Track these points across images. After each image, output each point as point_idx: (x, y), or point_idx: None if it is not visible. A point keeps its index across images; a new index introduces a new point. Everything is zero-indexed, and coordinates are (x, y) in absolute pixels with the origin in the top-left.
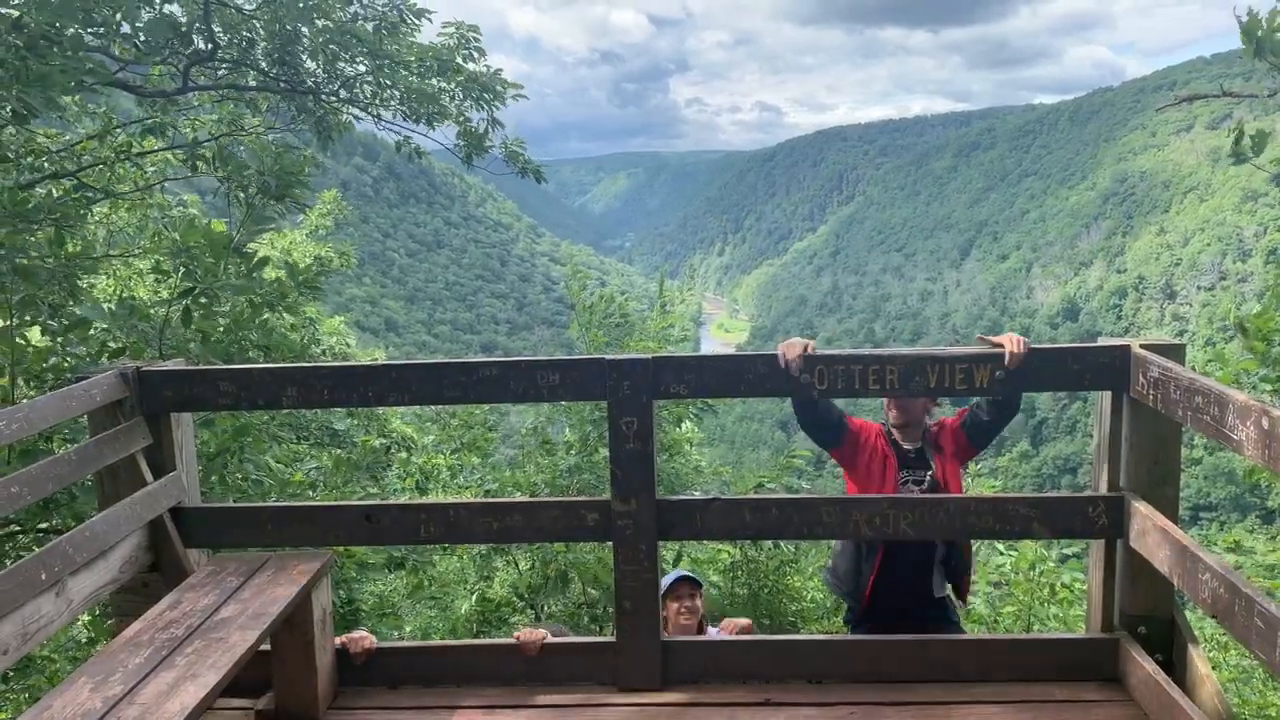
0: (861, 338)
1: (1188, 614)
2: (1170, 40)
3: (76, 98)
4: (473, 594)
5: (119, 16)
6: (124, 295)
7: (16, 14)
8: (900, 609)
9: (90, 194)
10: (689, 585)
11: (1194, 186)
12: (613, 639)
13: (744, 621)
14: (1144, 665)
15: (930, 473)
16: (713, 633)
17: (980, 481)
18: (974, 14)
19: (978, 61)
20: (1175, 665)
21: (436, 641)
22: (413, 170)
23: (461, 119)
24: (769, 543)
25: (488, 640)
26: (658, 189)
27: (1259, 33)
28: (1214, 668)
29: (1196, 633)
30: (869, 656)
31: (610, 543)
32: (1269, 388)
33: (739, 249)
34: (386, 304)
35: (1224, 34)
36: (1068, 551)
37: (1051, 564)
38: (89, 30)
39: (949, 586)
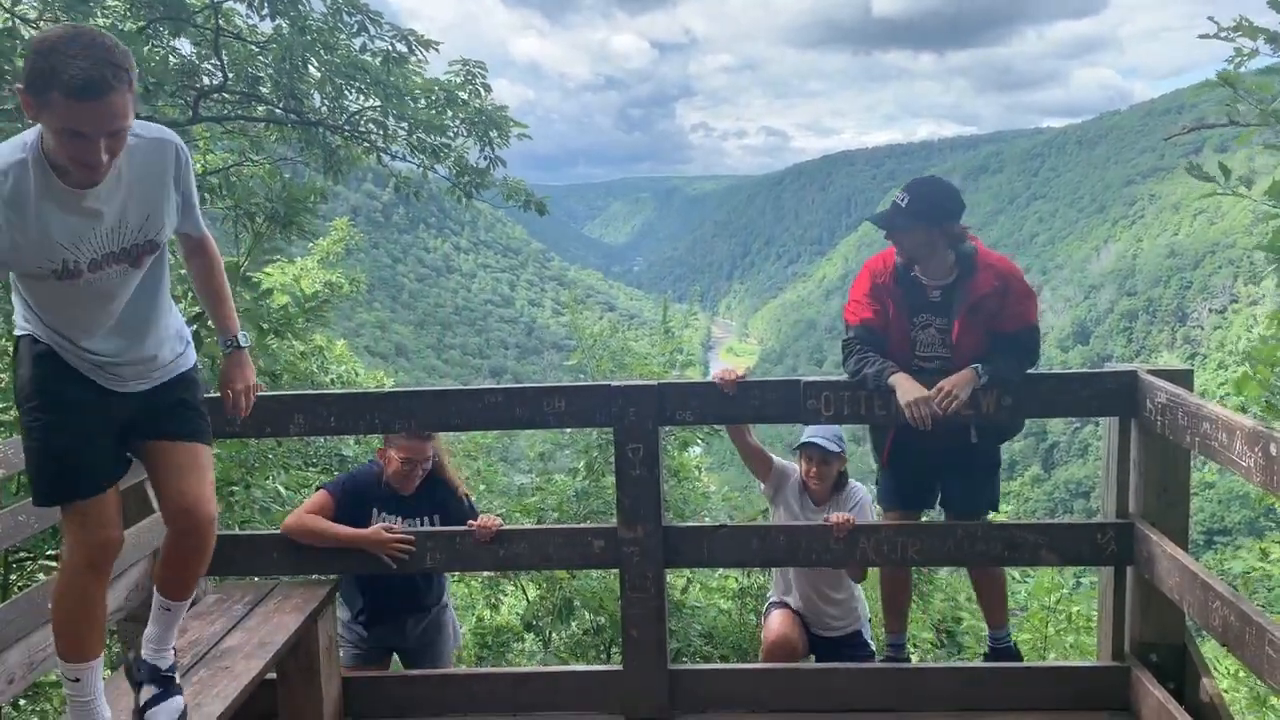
0: None
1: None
2: (1177, 63)
3: None
4: (474, 618)
5: None
6: None
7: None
8: (929, 469)
9: None
10: (819, 450)
11: (1203, 209)
12: (619, 667)
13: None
14: (1155, 694)
15: (946, 321)
16: (856, 490)
17: None
18: (978, 37)
19: (984, 85)
20: (1187, 694)
21: (443, 670)
22: (422, 195)
23: (461, 160)
24: None
25: (496, 669)
26: (666, 214)
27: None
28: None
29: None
30: (878, 685)
31: (617, 570)
32: (1258, 409)
33: (748, 273)
34: (396, 329)
35: (1230, 58)
36: (1085, 580)
37: (1066, 591)
38: None
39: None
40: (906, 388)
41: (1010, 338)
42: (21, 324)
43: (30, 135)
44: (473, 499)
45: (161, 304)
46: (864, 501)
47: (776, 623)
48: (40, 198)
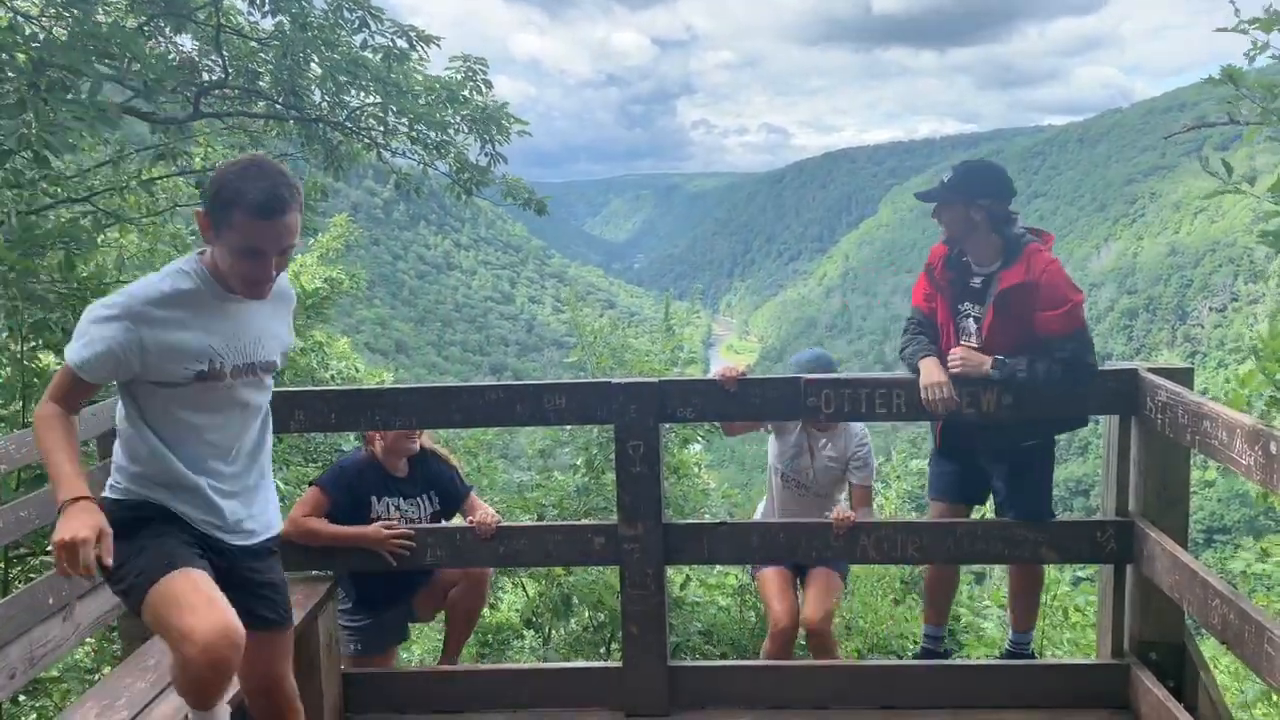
0: (871, 359)
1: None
2: (1179, 61)
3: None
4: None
5: (128, 57)
6: None
7: (31, 56)
8: (978, 461)
9: (102, 218)
10: None
11: (1204, 208)
12: (619, 664)
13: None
14: (1154, 692)
15: (983, 310)
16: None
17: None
18: (980, 35)
19: (986, 82)
20: (1186, 692)
21: (443, 666)
22: (423, 192)
23: (461, 157)
24: None
25: (496, 665)
26: (667, 211)
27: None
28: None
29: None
30: (876, 683)
31: (616, 567)
32: (1263, 405)
33: (748, 271)
34: (396, 325)
35: (1233, 57)
36: (1081, 575)
37: (1065, 588)
38: (103, 62)
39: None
40: (929, 370)
41: (1037, 343)
42: (126, 485)
43: (189, 258)
44: (463, 471)
45: (269, 430)
46: (862, 436)
47: (779, 602)
48: (201, 303)
